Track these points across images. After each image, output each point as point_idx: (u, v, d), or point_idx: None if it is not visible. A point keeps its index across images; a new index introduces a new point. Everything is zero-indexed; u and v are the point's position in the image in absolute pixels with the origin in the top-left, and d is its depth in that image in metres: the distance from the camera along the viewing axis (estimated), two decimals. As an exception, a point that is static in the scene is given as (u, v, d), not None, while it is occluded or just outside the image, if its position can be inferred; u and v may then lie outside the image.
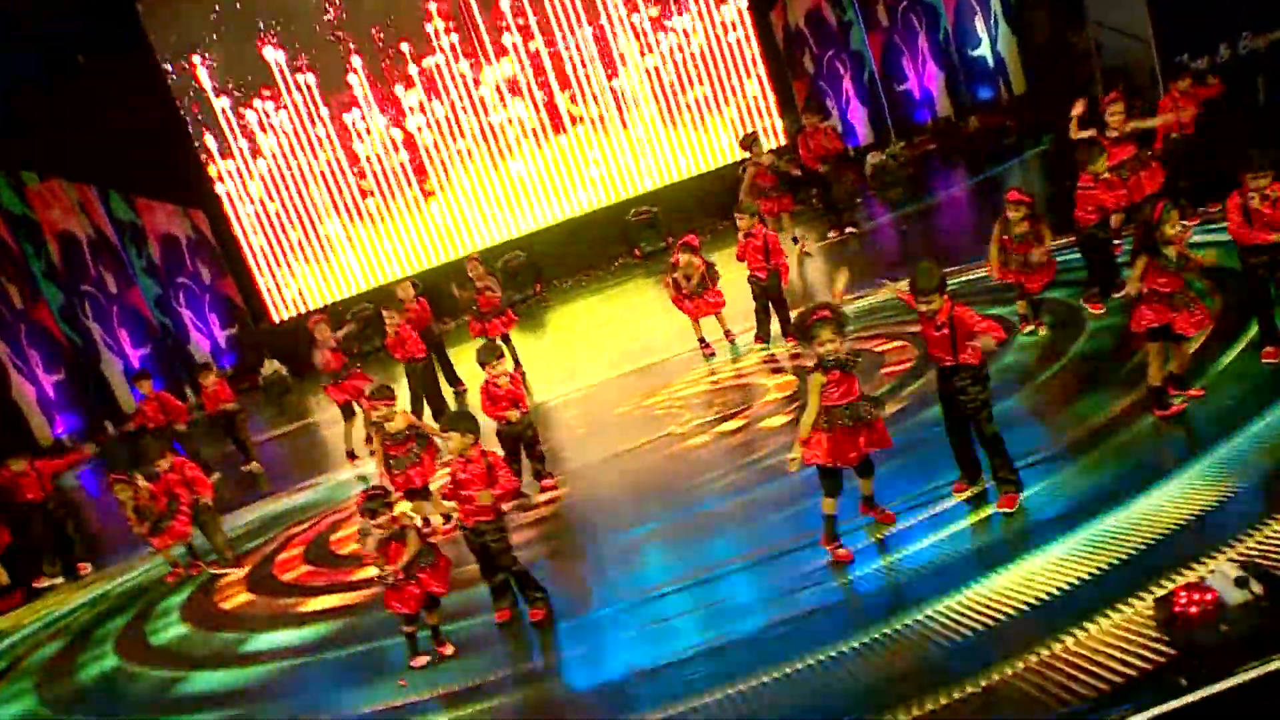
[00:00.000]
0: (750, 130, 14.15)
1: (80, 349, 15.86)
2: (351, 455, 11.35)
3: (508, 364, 9.18)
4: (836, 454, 6.17)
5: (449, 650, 6.90)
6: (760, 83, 15.78)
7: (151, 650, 8.63)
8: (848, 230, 13.44)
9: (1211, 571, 4.97)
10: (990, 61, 15.66)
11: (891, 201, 14.47)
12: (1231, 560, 5.07)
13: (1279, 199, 6.78)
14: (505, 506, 7.08)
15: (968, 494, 6.54)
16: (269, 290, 16.15)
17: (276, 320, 16.09)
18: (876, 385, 8.54)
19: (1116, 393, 7.26)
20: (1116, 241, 9.26)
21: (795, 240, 13.24)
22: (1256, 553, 5.11)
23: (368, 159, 15.75)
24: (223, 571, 9.59)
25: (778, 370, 10.01)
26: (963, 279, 10.15)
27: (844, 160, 13.63)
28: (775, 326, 10.44)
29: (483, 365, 8.81)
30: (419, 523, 7.12)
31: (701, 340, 10.94)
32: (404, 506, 7.91)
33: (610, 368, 11.64)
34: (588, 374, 11.70)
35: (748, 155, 12.82)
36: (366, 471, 10.50)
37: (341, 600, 8.29)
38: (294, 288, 16.12)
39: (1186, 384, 6.91)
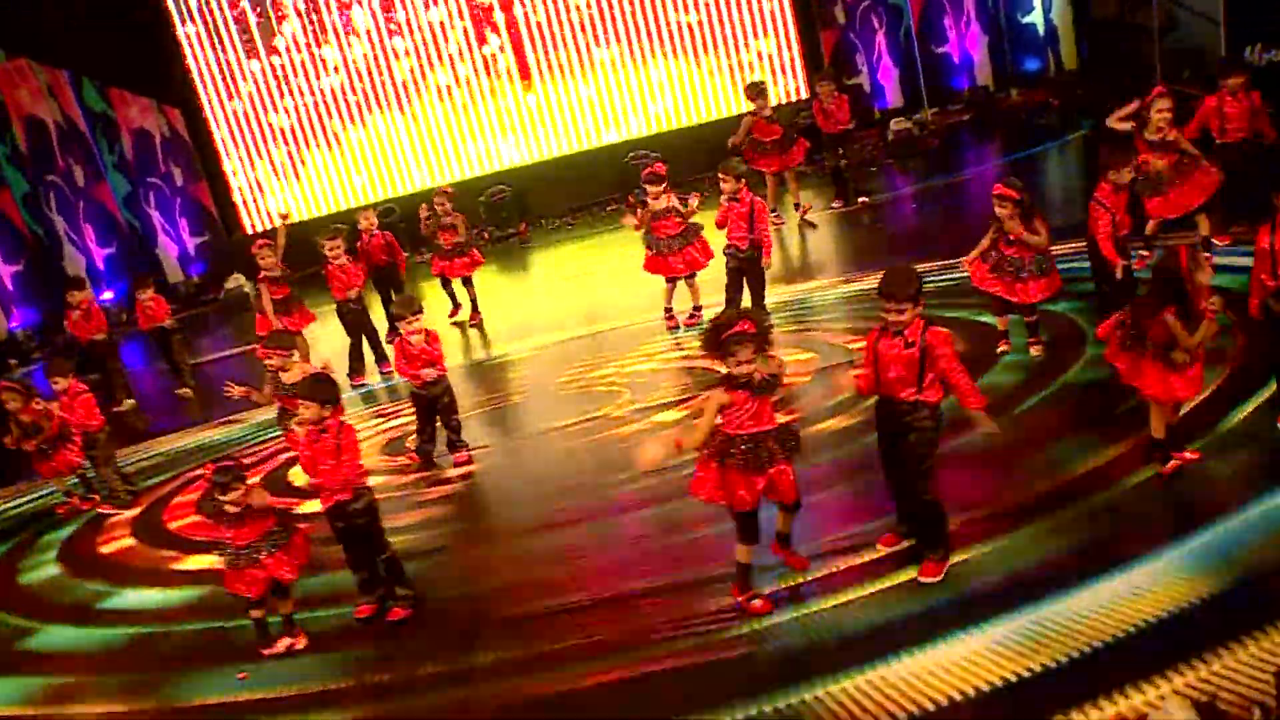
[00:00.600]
0: (760, 79, 12.83)
1: (42, 241, 15.10)
2: None
3: (464, 315, 8.21)
4: (725, 492, 5.24)
5: (301, 643, 6.17)
6: (784, 29, 14.47)
7: (15, 591, 7.94)
8: (860, 200, 12.27)
9: (1156, 706, 3.99)
10: (1041, 30, 14.30)
11: (910, 173, 13.25)
12: (1181, 694, 4.09)
13: None
14: (371, 481, 6.43)
15: (897, 548, 5.57)
16: (244, 200, 15.27)
17: (250, 231, 15.20)
18: (831, 393, 7.52)
19: (1103, 440, 6.23)
20: (1144, 251, 8.12)
21: (797, 206, 12.14)
22: (1218, 686, 4.12)
23: (364, 70, 14.69)
24: (111, 512, 8.83)
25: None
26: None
27: (863, 125, 12.37)
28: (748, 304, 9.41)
29: (396, 320, 7.95)
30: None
31: (668, 309, 9.94)
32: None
33: (571, 327, 10.71)
34: (545, 332, 10.76)
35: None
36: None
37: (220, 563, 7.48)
38: (271, 200, 15.21)
39: (1180, 443, 5.87)
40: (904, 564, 5.45)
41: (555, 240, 14.26)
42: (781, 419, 5.49)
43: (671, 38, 14.52)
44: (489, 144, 15.01)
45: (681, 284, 9.73)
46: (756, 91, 11.72)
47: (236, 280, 14.55)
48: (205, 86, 14.74)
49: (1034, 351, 7.58)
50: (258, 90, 14.82)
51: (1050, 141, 13.30)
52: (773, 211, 12.07)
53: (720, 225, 9.12)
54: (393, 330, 11.51)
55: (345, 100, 14.88)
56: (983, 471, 6.18)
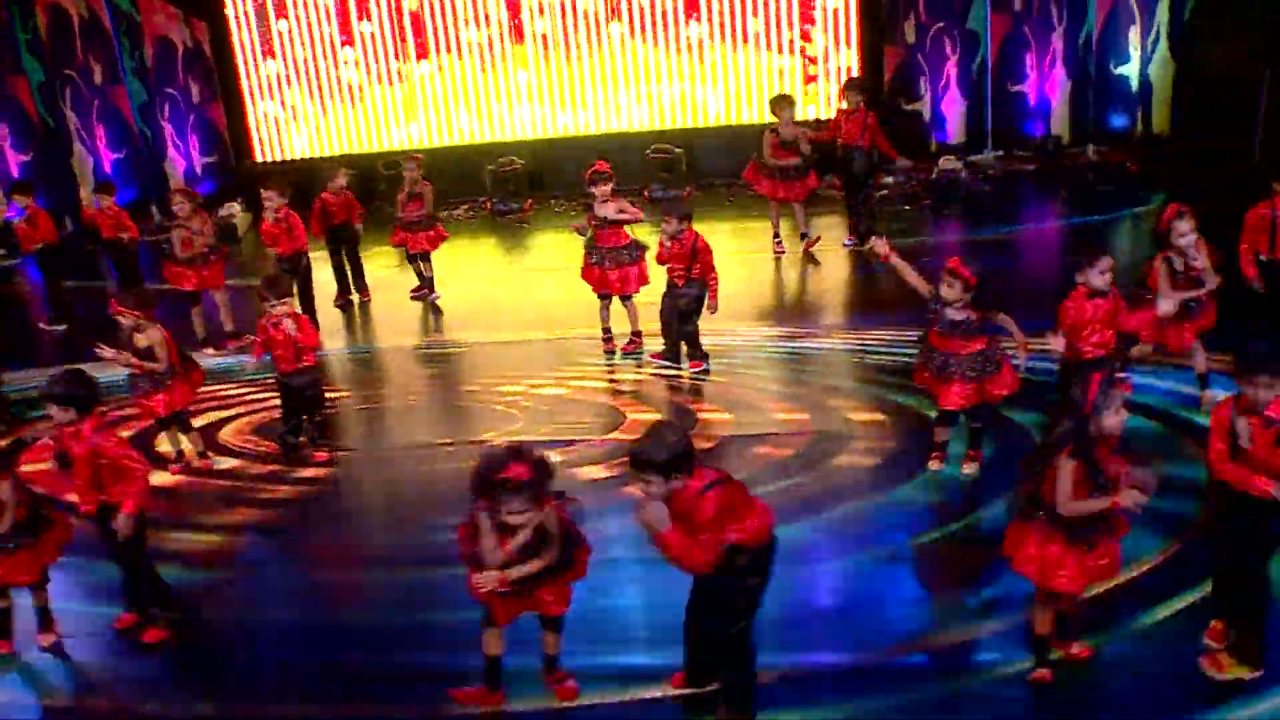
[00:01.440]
0: (787, 93, 11.54)
1: (54, 134, 14.71)
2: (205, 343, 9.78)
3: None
4: (492, 602, 4.46)
5: (48, 640, 5.55)
6: (846, 38, 13.16)
7: None
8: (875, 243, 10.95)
9: None
10: (1134, 85, 12.74)
11: (946, 219, 11.89)
12: None
13: None
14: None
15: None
16: (257, 128, 14.65)
17: (259, 159, 14.61)
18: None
19: (985, 608, 5.06)
20: (1124, 375, 6.80)
21: (803, 236, 10.95)
22: None
23: (397, 16, 13.89)
24: None
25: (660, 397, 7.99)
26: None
27: (885, 160, 11.06)
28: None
29: (260, 299, 7.13)
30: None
31: (606, 331, 8.94)
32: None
33: (520, 328, 9.78)
34: (491, 328, 9.86)
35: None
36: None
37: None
38: (284, 131, 14.59)
39: (1070, 633, 4.70)
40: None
41: (557, 224, 13.26)
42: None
43: (723, 28, 13.33)
44: (509, 110, 14.09)
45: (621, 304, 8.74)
46: (780, 105, 10.56)
47: (230, 209, 13.94)
48: (234, 5, 14.11)
49: (965, 470, 6.37)
50: (288, 20, 14.13)
51: (1118, 211, 11.80)
52: (775, 239, 11.00)
53: (660, 262, 8.12)
54: (342, 294, 10.83)
55: (374, 44, 14.09)
56: (815, 624, 5.10)
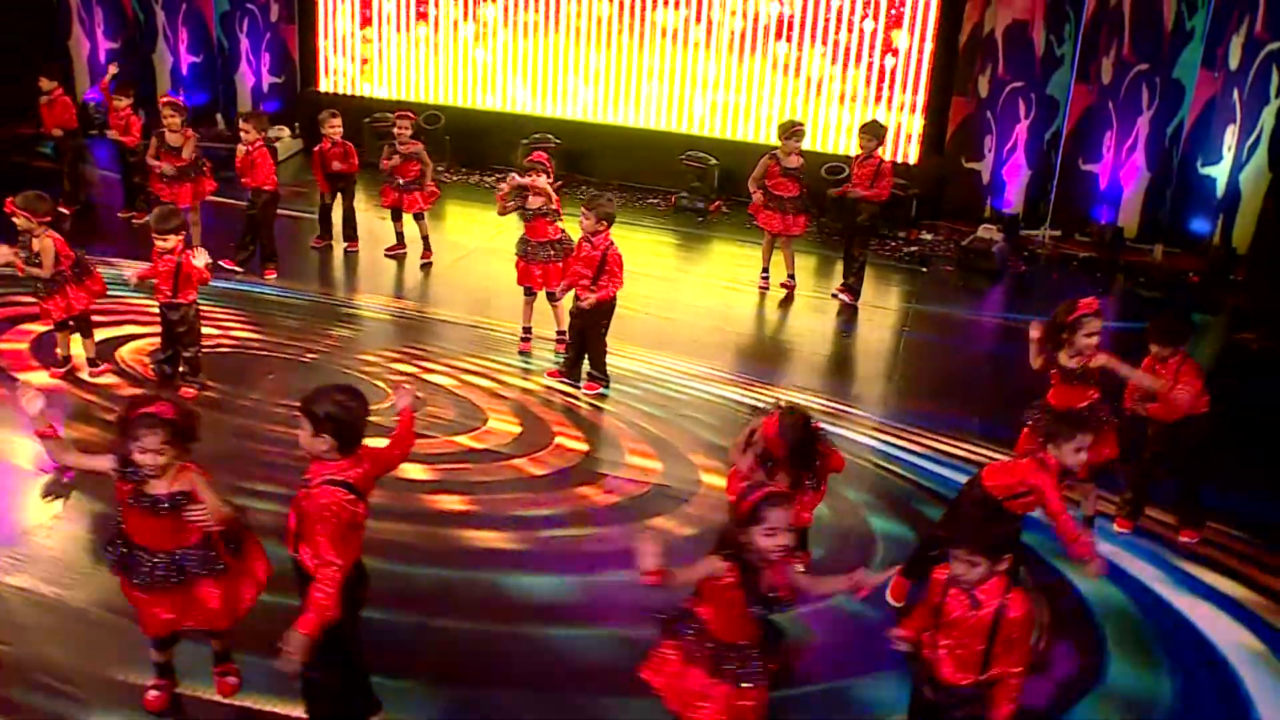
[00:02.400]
0: (798, 120, 10.85)
1: (141, 29, 15.29)
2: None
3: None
4: (142, 616, 4.42)
5: None
6: (914, 79, 12.38)
7: None
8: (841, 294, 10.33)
9: None
10: (1220, 189, 11.59)
11: (965, 293, 11.05)
12: None
13: None
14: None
15: None
16: (326, 56, 14.80)
17: (321, 89, 14.78)
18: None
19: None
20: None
21: (791, 278, 10.36)
22: None
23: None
24: None
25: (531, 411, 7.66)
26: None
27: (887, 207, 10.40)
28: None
29: (152, 231, 7.15)
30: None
31: (525, 329, 8.68)
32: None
33: (466, 309, 9.54)
34: (444, 304, 9.70)
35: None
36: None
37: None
38: (349, 67, 14.68)
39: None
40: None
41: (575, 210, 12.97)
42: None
43: (797, 51, 12.70)
44: (560, 86, 13.81)
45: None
46: (789, 132, 9.98)
47: (280, 131, 14.15)
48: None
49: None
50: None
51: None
52: (763, 274, 10.48)
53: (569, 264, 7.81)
54: (322, 238, 10.83)
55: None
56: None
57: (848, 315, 10.09)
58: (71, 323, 7.67)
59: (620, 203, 13.21)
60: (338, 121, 10.48)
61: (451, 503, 6.44)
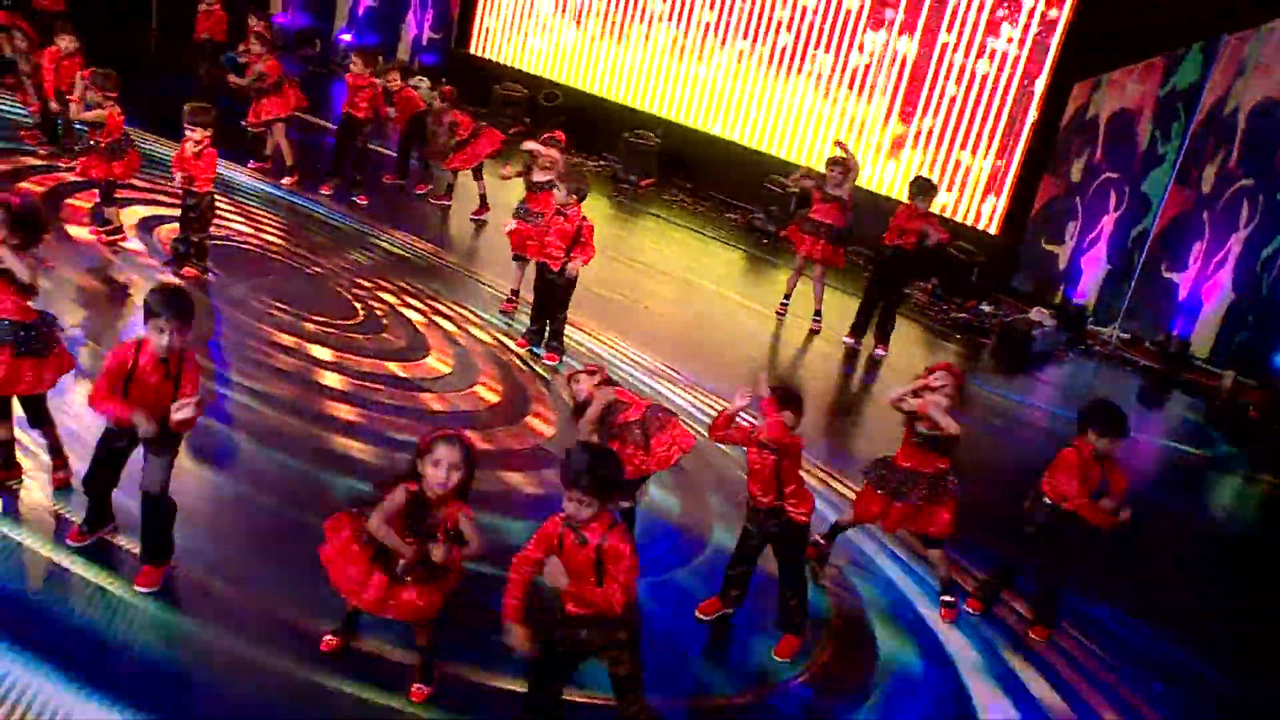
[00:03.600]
0: (846, 156, 10.83)
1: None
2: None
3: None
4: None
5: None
6: (1005, 148, 12.21)
7: None
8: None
9: None
10: (1309, 326, 10.95)
11: (993, 374, 10.86)
12: None
13: None
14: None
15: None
16: (480, 21, 15.83)
17: (472, 51, 15.83)
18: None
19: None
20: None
21: (817, 315, 10.43)
22: None
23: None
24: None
25: (515, 380, 8.21)
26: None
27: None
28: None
29: (185, 124, 8.10)
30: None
31: (514, 292, 9.24)
32: None
33: (483, 264, 10.23)
34: (461, 252, 10.39)
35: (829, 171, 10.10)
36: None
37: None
38: (501, 35, 15.65)
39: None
40: None
41: (659, 211, 13.44)
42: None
43: (895, 88, 12.76)
44: (673, 88, 14.31)
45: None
46: (835, 161, 10.07)
47: (420, 80, 15.21)
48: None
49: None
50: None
51: (1206, 448, 10.32)
52: (783, 300, 10.64)
53: (539, 237, 8.28)
54: (396, 174, 11.73)
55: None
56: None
57: (854, 360, 10.13)
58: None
59: (701, 210, 13.68)
60: (397, 73, 11.46)
61: (347, 413, 7.07)
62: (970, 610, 6.62)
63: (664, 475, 7.09)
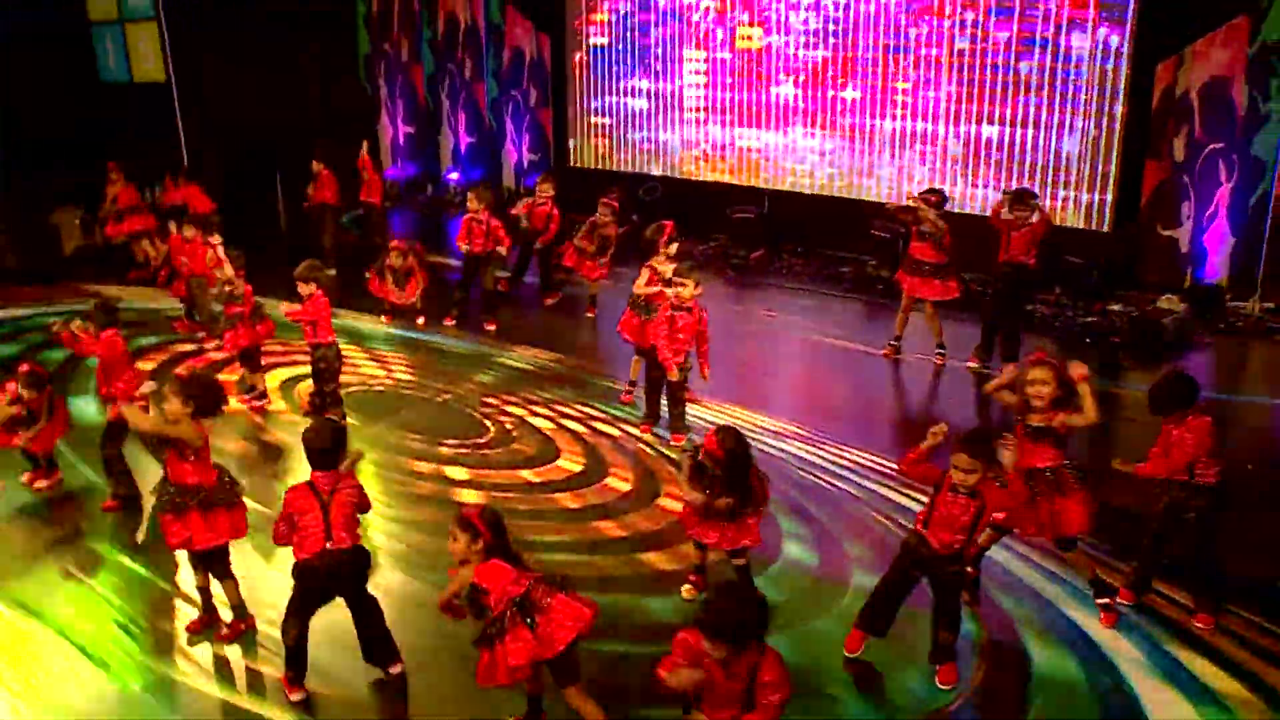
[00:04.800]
0: (939, 189, 10.91)
1: (432, 114, 18.06)
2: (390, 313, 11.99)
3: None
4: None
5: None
6: (1100, 143, 12.07)
7: None
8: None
9: None
10: None
11: (1132, 364, 10.58)
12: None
13: None
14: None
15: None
16: (576, 135, 16.66)
17: (572, 164, 16.65)
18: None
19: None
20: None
21: (940, 349, 10.50)
22: None
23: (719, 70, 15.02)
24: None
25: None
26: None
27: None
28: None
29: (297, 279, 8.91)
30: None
31: (631, 383, 9.68)
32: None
33: (605, 361, 10.75)
34: (585, 354, 10.99)
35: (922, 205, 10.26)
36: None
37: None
38: (599, 143, 16.43)
39: None
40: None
41: (773, 279, 13.72)
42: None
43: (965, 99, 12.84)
44: (768, 157, 14.73)
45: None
46: (932, 196, 10.23)
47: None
48: (579, 24, 16.12)
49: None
50: (616, 43, 15.86)
51: None
52: (892, 340, 10.74)
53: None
54: (511, 281, 12.43)
55: (694, 88, 15.33)
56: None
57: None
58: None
59: (814, 269, 13.92)
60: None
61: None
62: (1123, 602, 6.51)
63: (800, 527, 7.36)
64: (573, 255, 12.04)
